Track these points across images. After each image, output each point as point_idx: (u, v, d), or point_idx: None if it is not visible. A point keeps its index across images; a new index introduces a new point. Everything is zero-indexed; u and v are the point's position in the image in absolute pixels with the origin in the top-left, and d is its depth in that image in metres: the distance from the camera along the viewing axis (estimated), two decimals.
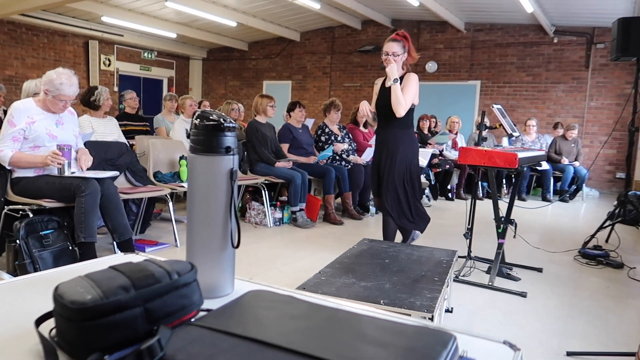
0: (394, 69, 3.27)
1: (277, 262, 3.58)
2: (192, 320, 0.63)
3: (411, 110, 3.38)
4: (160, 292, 0.59)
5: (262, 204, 4.69)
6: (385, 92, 3.35)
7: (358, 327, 0.60)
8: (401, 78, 3.31)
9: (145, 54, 11.77)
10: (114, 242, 3.16)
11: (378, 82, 3.53)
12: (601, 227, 4.46)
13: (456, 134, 7.60)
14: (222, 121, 0.78)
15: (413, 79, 3.32)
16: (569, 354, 2.27)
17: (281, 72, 12.28)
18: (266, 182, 4.75)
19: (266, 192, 4.65)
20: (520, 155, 3.20)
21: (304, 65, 11.91)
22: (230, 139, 0.79)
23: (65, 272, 0.88)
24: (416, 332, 0.59)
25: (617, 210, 5.07)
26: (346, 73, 11.46)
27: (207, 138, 0.78)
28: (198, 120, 0.79)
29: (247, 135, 5.01)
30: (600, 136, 8.88)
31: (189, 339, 0.55)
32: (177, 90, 12.30)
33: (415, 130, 7.31)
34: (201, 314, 0.66)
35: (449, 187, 7.06)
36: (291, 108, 5.33)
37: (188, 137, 3.12)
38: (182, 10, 9.06)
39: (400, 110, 3.27)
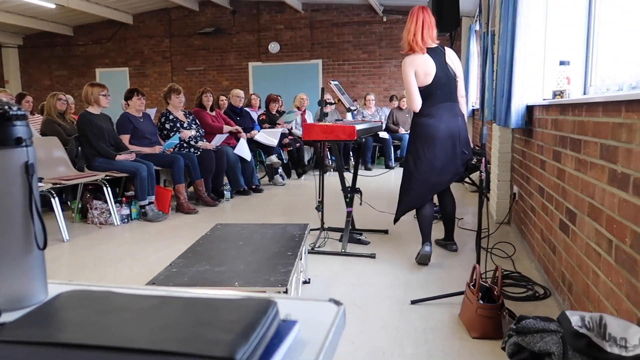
0: None
1: (128, 260, 3.36)
2: None
3: (428, 93, 3.08)
4: None
5: (106, 202, 4.33)
6: (443, 68, 3.09)
7: (182, 310, 0.58)
8: None
9: None
10: None
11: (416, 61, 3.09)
12: None
13: (304, 111, 7.82)
14: (8, 109, 0.68)
15: (403, 69, 3.12)
16: (413, 302, 2.52)
17: (115, 58, 11.36)
18: (107, 177, 4.39)
19: (109, 188, 4.30)
20: (358, 127, 3.41)
21: (141, 50, 11.17)
22: (20, 129, 0.69)
23: None
24: (240, 305, 0.59)
25: None
26: (188, 57, 11.03)
27: None
28: None
29: (80, 129, 4.55)
30: None
31: None
32: None
33: (264, 111, 7.39)
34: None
35: (302, 164, 7.28)
36: (128, 96, 4.96)
37: None
38: None
39: (413, 107, 3.12)
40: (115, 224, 4.33)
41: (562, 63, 2.88)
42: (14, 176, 0.69)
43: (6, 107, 0.69)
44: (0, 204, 0.69)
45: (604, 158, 1.83)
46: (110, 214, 4.35)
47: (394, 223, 3.46)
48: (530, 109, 3.22)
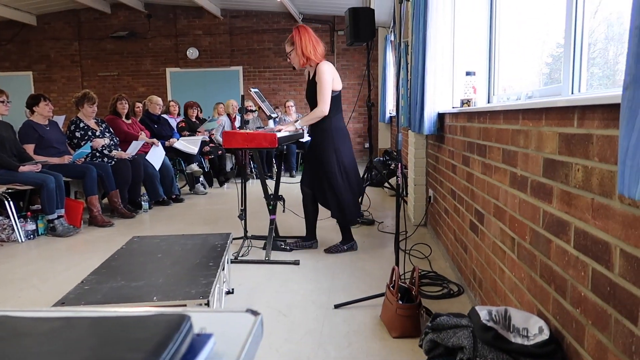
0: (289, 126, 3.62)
1: (34, 280, 3.11)
2: None
3: (334, 99, 3.36)
4: None
5: (8, 217, 3.99)
6: (310, 84, 3.42)
7: (87, 331, 0.56)
8: (314, 76, 3.35)
9: None
10: None
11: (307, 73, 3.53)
12: None
13: (234, 118, 7.70)
14: None
15: (322, 72, 3.27)
16: (336, 306, 2.57)
17: (17, 61, 10.54)
18: (10, 190, 4.05)
19: (11, 202, 3.97)
20: (279, 134, 3.42)
21: (47, 53, 10.46)
22: None
23: None
24: (152, 321, 0.57)
25: (365, 175, 5.89)
26: (99, 61, 10.48)
27: None
28: None
29: None
30: (349, 112, 10.14)
31: None
32: None
33: (183, 118, 7.18)
34: None
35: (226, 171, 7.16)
36: (33, 102, 4.61)
37: None
38: None
39: (323, 111, 3.33)
40: (20, 240, 4.01)
41: (468, 73, 3.08)
42: None
43: None
44: None
45: (506, 162, 1.98)
46: (13, 230, 4.01)
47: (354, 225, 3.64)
48: (441, 117, 3.41)
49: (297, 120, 3.52)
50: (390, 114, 8.80)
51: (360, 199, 3.64)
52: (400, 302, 2.24)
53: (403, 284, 2.34)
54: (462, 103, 3.08)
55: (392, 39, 7.85)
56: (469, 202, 2.64)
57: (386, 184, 5.84)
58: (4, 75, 10.52)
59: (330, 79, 3.33)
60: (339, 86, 3.42)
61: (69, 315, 0.64)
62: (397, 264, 2.57)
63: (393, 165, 6.34)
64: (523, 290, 1.78)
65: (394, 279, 2.33)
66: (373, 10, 5.28)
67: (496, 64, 3.00)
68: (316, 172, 3.46)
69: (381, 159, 7.01)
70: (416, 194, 4.37)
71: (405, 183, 4.89)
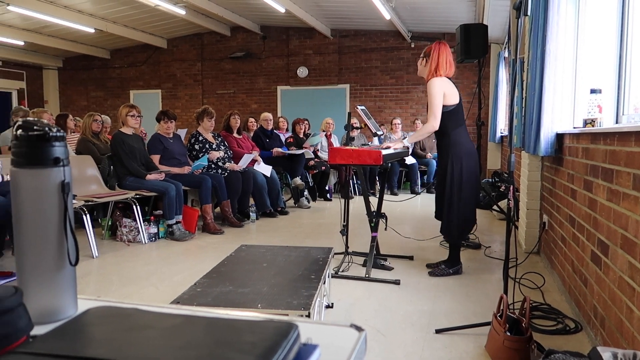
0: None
1: (153, 279, 3.40)
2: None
3: (450, 113, 3.30)
4: None
5: (135, 220, 4.43)
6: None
7: (204, 330, 0.59)
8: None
9: None
10: None
11: None
12: None
13: (330, 135, 7.87)
14: (48, 130, 0.72)
15: (431, 87, 3.29)
16: (437, 331, 2.47)
17: (149, 80, 11.73)
18: (137, 196, 4.49)
19: (138, 207, 4.39)
20: (385, 152, 3.41)
21: (174, 73, 11.51)
22: (59, 149, 0.73)
23: None
24: (262, 327, 0.59)
25: None
26: (218, 80, 11.30)
27: (31, 150, 0.71)
28: (20, 130, 0.72)
29: (113, 148, 4.69)
30: None
31: None
32: (29, 104, 11.14)
33: (291, 134, 7.48)
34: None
35: (327, 187, 7.29)
36: (159, 117, 5.10)
37: None
38: (29, 15, 8.19)
39: (433, 126, 3.30)
40: (143, 242, 4.41)
41: (593, 91, 2.84)
42: (51, 194, 0.72)
43: (46, 128, 0.73)
44: (37, 220, 0.72)
45: (637, 189, 1.78)
46: (138, 232, 4.43)
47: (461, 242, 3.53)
48: (560, 137, 3.17)
49: (405, 137, 3.48)
50: (501, 133, 8.38)
51: (473, 224, 3.49)
52: (509, 334, 2.09)
53: (512, 315, 2.19)
54: (585, 123, 2.84)
55: (506, 55, 7.51)
56: (591, 230, 2.41)
57: (495, 207, 5.54)
58: (138, 93, 11.76)
59: (439, 93, 3.24)
60: (454, 100, 3.31)
61: (188, 314, 0.68)
62: (505, 292, 2.42)
63: (503, 187, 6.01)
64: None
65: (501, 308, 2.19)
66: (486, 26, 5.11)
67: (627, 81, 2.73)
68: (439, 187, 3.46)
69: (490, 180, 6.69)
70: (528, 219, 4.09)
71: (516, 207, 4.60)
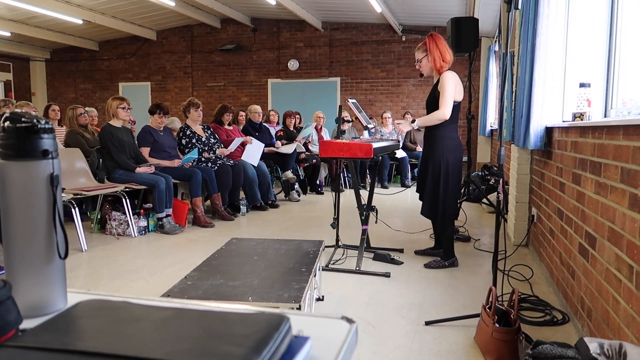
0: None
1: (144, 273, 3.39)
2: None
3: (453, 108, 3.35)
4: None
5: (125, 214, 4.40)
6: (433, 90, 3.45)
7: (195, 323, 0.59)
8: (436, 84, 3.39)
9: None
10: None
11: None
12: None
13: (320, 128, 7.86)
14: (36, 122, 0.71)
15: (446, 79, 3.32)
16: (427, 323, 2.49)
17: (138, 72, 11.61)
18: (127, 189, 4.46)
19: (127, 200, 4.36)
20: (375, 145, 3.42)
21: (163, 65, 11.41)
22: (47, 142, 0.72)
23: None
24: (253, 319, 0.59)
25: (462, 190, 5.68)
26: (208, 72, 11.22)
27: (19, 142, 0.70)
28: (8, 122, 0.71)
29: (101, 141, 4.65)
30: None
31: None
32: (17, 96, 10.99)
33: (282, 127, 7.45)
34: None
35: (317, 181, 7.29)
36: (153, 110, 5.04)
37: None
38: (15, 5, 8.05)
39: (445, 114, 3.31)
40: (133, 235, 4.39)
41: (582, 85, 2.86)
42: (39, 187, 0.71)
43: (34, 120, 0.72)
44: (25, 213, 0.71)
45: (625, 182, 1.80)
46: (128, 225, 4.41)
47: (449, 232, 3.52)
48: (549, 131, 3.20)
49: (414, 120, 3.49)
50: (491, 127, 8.43)
51: (457, 212, 3.54)
52: (497, 325, 2.12)
53: (500, 306, 2.22)
54: (575, 117, 2.86)
55: (497, 49, 7.53)
56: (579, 223, 2.44)
57: (484, 200, 5.59)
58: (127, 85, 11.64)
59: (453, 87, 3.32)
60: (459, 97, 3.40)
61: (179, 307, 0.68)
62: (494, 284, 2.44)
63: (493, 180, 6.05)
64: None
65: (490, 300, 2.21)
66: (477, 20, 5.11)
67: (615, 75, 2.76)
68: (424, 177, 3.48)
69: (479, 173, 6.72)
70: (517, 212, 4.13)
71: (506, 200, 4.64)
